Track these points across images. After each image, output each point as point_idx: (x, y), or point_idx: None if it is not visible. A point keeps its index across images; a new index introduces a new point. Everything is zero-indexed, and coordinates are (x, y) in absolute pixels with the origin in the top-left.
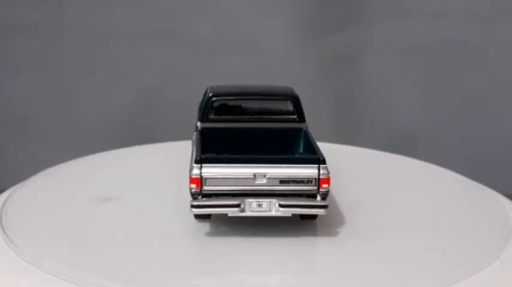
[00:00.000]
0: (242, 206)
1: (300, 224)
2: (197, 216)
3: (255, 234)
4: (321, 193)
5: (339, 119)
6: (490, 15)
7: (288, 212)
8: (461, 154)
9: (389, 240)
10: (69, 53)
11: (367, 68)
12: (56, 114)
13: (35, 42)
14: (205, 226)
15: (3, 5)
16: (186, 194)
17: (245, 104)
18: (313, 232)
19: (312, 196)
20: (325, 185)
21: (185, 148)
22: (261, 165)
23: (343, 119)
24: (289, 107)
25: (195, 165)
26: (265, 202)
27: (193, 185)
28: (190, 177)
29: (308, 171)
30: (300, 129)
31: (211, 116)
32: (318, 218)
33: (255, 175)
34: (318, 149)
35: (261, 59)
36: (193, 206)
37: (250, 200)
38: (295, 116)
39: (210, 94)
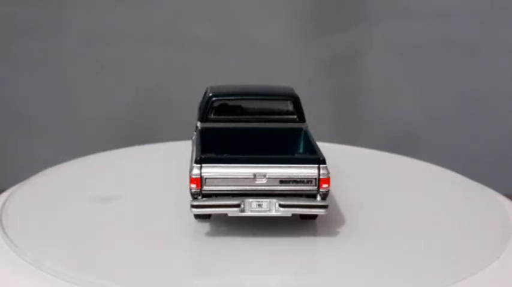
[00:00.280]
0: (242, 206)
1: (300, 224)
2: (197, 216)
3: (255, 234)
4: (321, 193)
5: (339, 119)
6: (490, 15)
7: (288, 212)
8: (461, 154)
9: (389, 240)
10: (69, 53)
11: (367, 68)
12: (56, 114)
13: (35, 42)
14: (205, 226)
15: (3, 5)
16: (186, 194)
17: (245, 104)
18: (313, 232)
19: (312, 196)
20: (325, 185)
21: (185, 148)
22: (261, 165)
23: (343, 119)
24: (289, 107)
25: (195, 165)
26: (265, 202)
27: (193, 185)
28: (190, 177)
29: (308, 171)
30: (300, 129)
31: (211, 116)
32: (318, 218)
33: (255, 175)
34: (318, 149)
35: (261, 59)
36: (193, 206)
37: (250, 200)
38: (295, 116)
39: (210, 94)
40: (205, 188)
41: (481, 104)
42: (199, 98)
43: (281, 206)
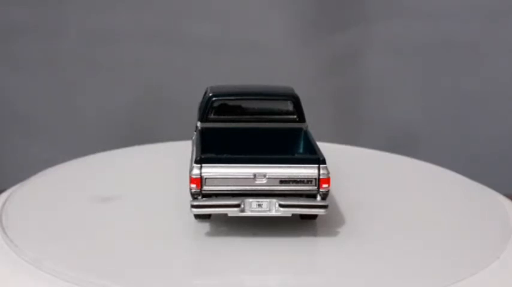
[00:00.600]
0: (242, 206)
1: (300, 224)
2: (197, 216)
3: (255, 234)
4: (321, 193)
5: (339, 119)
6: (490, 15)
7: (288, 212)
8: (461, 154)
9: (389, 240)
10: (69, 53)
11: (367, 68)
12: (56, 114)
13: (35, 42)
14: (205, 226)
15: (3, 5)
16: (186, 194)
17: (245, 104)
18: (313, 232)
19: (312, 196)
20: (325, 185)
21: (185, 148)
22: (261, 165)
23: (343, 119)
24: (289, 107)
25: (195, 165)
26: (265, 202)
27: (193, 185)
28: (190, 177)
29: (308, 171)
30: (300, 129)
31: (211, 116)
32: (318, 218)
33: (255, 175)
34: (318, 149)
35: (261, 59)
36: (193, 206)
37: (250, 200)
38: (295, 116)
39: (210, 94)
40: (205, 188)
41: (481, 104)
42: (199, 98)
43: (281, 206)
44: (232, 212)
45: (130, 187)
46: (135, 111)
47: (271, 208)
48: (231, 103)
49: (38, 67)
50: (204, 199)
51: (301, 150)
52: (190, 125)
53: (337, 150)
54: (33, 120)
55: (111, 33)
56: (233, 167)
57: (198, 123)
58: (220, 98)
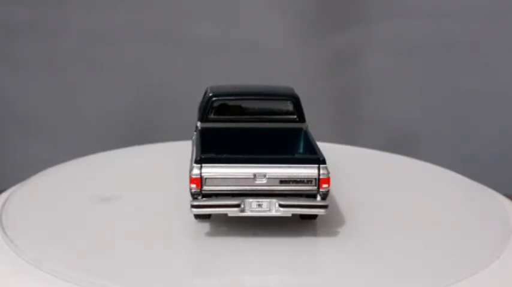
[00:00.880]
0: (242, 206)
1: (300, 224)
2: (197, 216)
3: (255, 234)
4: (321, 193)
5: (339, 119)
6: (490, 15)
7: (288, 212)
8: (461, 154)
9: (389, 240)
10: (69, 53)
11: (367, 68)
12: (56, 114)
13: (35, 42)
14: (205, 226)
15: (3, 5)
16: (186, 194)
17: (245, 104)
18: (313, 232)
19: (312, 196)
20: (325, 185)
21: (185, 148)
22: (261, 165)
23: (343, 119)
24: (289, 107)
25: (195, 165)
26: (265, 202)
27: (193, 185)
28: (190, 177)
29: (308, 171)
30: (300, 129)
31: (211, 116)
32: (318, 218)
33: (255, 175)
34: (318, 149)
35: (261, 59)
36: (193, 206)
37: (250, 200)
38: (295, 116)
39: (210, 94)
40: (205, 188)
41: (481, 104)
42: (199, 98)
43: (281, 206)
44: (232, 212)
45: (130, 187)
46: (135, 111)
47: (271, 208)
48: (231, 103)
49: (38, 67)
50: (204, 199)
51: (301, 150)
52: (190, 125)
53: (337, 150)
54: (33, 120)
55: (111, 33)
56: (233, 167)
57: (198, 123)
58: (220, 98)
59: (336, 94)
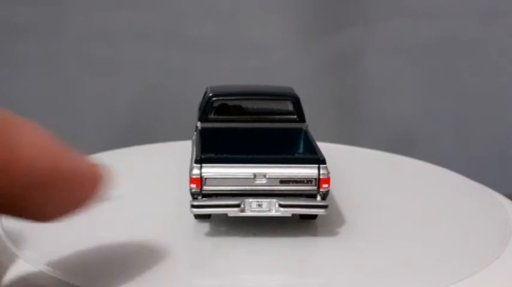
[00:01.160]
0: (242, 206)
1: (300, 224)
2: (197, 216)
3: (255, 234)
4: (321, 193)
5: (339, 119)
6: (490, 15)
7: (288, 212)
8: (461, 154)
9: (389, 240)
10: (69, 53)
11: (367, 68)
12: (56, 114)
13: (35, 42)
14: (205, 226)
15: (3, 5)
16: (186, 194)
17: (245, 104)
18: (313, 232)
19: (312, 196)
20: (325, 185)
21: (185, 148)
22: (261, 165)
23: (343, 119)
24: (289, 107)
25: (195, 165)
26: (265, 202)
27: (193, 185)
28: (190, 177)
29: (308, 171)
30: (300, 129)
31: (211, 116)
32: (318, 218)
33: (255, 175)
34: (318, 149)
35: (261, 59)
36: (193, 206)
37: (250, 200)
38: (295, 116)
39: (210, 94)
40: (205, 188)
41: (482, 104)
42: (199, 98)
43: (281, 206)
44: (232, 212)
45: (129, 186)
46: (135, 111)
47: (271, 208)
48: (231, 103)
49: (38, 67)
50: (204, 199)
51: (301, 150)
52: (190, 125)
53: (337, 150)
54: (33, 121)
55: (111, 33)
56: (233, 167)
57: (198, 123)
58: (220, 98)
59: (336, 94)
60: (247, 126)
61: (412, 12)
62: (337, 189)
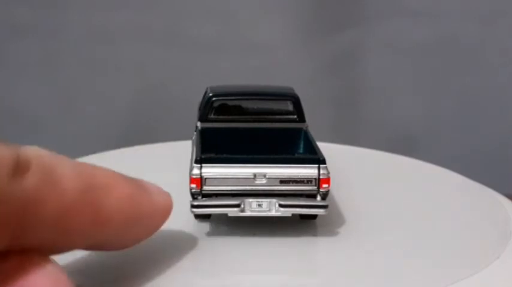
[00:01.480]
0: (242, 206)
1: (300, 224)
2: (197, 216)
3: (255, 234)
4: (321, 193)
5: (339, 119)
6: (490, 15)
7: (288, 212)
8: (462, 154)
9: (389, 240)
10: (69, 53)
11: (367, 68)
12: (56, 114)
13: (35, 42)
14: (205, 226)
15: (3, 5)
16: (186, 194)
17: (245, 104)
18: (313, 232)
19: (312, 196)
20: (325, 185)
21: (185, 148)
22: (261, 165)
23: (343, 119)
24: (289, 107)
25: (195, 165)
26: (265, 202)
27: (193, 185)
28: (190, 177)
29: (308, 171)
30: (300, 129)
31: (211, 116)
32: (318, 218)
33: (255, 175)
34: (318, 149)
35: (261, 59)
36: (193, 206)
37: (250, 200)
38: (295, 116)
39: (210, 94)
40: (205, 188)
41: (482, 103)
42: (199, 98)
43: (281, 206)
44: (232, 212)
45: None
46: (135, 111)
47: (271, 208)
48: (231, 103)
49: (38, 67)
50: (204, 199)
51: (301, 150)
52: (190, 125)
53: (337, 150)
54: (34, 120)
55: (111, 33)
56: (233, 167)
57: (198, 123)
58: (220, 98)
59: (336, 94)
60: (247, 126)
61: (412, 12)
62: (337, 189)
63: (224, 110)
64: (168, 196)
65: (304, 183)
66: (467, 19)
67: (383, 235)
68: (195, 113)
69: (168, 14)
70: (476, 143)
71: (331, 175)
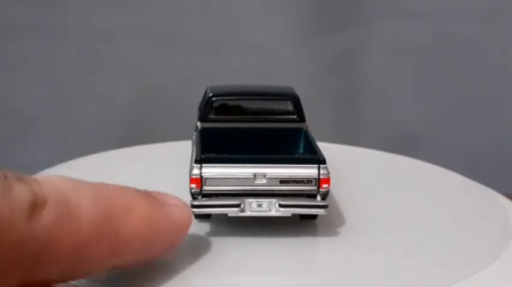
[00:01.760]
0: (242, 206)
1: (300, 224)
2: (197, 216)
3: (255, 234)
4: (321, 193)
5: (339, 119)
6: (490, 15)
7: (288, 212)
8: (461, 154)
9: (389, 240)
10: (69, 53)
11: (367, 68)
12: (56, 114)
13: (35, 42)
14: (205, 226)
15: (3, 5)
16: (186, 194)
17: (245, 104)
18: (313, 232)
19: (312, 196)
20: (325, 185)
21: (185, 148)
22: (261, 165)
23: (343, 119)
24: (289, 107)
25: (195, 165)
26: (265, 202)
27: (193, 185)
28: (190, 177)
29: (308, 171)
30: (300, 129)
31: (211, 116)
32: (318, 218)
33: (255, 175)
34: (318, 149)
35: (261, 59)
36: (193, 206)
37: (250, 200)
38: (295, 116)
39: (210, 94)
40: (205, 188)
41: (482, 103)
42: (199, 98)
43: (281, 206)
44: (232, 212)
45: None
46: (135, 111)
47: (271, 208)
48: (231, 103)
49: (38, 67)
50: (204, 198)
51: (301, 150)
52: (190, 125)
53: (337, 150)
54: (33, 120)
55: (111, 33)
56: (233, 167)
57: (198, 123)
58: (220, 98)
59: (336, 94)
60: (247, 126)
61: (412, 12)
62: (337, 189)
63: (224, 110)
64: (186, 208)
65: (304, 183)
66: (467, 19)
67: (383, 235)
68: (195, 113)
69: (168, 14)
70: (476, 143)
71: (331, 175)
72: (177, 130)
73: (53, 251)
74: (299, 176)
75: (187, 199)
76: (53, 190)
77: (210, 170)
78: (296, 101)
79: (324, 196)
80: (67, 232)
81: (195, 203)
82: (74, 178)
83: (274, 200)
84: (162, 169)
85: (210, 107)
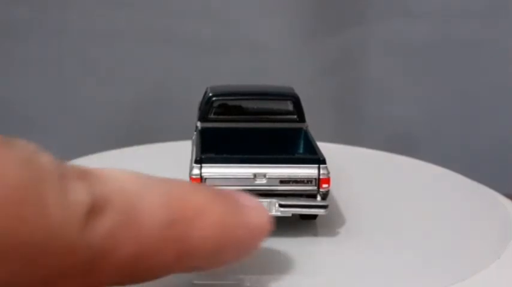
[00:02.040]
0: None
1: (300, 224)
2: None
3: None
4: (321, 193)
5: (339, 119)
6: (490, 15)
7: (288, 212)
8: (461, 154)
9: (389, 240)
10: (69, 53)
11: (367, 68)
12: (56, 114)
13: (35, 42)
14: None
15: (3, 5)
16: None
17: (245, 104)
18: (313, 232)
19: (312, 196)
20: (325, 185)
21: (185, 148)
22: (261, 165)
23: (343, 119)
24: (289, 107)
25: (195, 165)
26: (265, 202)
27: None
28: (190, 177)
29: (308, 171)
30: (300, 129)
31: (211, 116)
32: (318, 218)
33: (254, 175)
34: (318, 149)
35: (261, 59)
36: None
37: None
38: (295, 116)
39: (210, 94)
40: None
41: (482, 103)
42: (199, 98)
43: (281, 206)
44: None
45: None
46: (135, 111)
47: (271, 208)
48: (231, 103)
49: (38, 67)
50: None
51: (301, 150)
52: (190, 125)
53: (337, 150)
54: (33, 120)
55: (111, 33)
56: (233, 167)
57: (198, 123)
58: (220, 98)
59: (336, 94)
60: (247, 126)
61: (412, 12)
62: (337, 189)
63: (224, 110)
64: (264, 211)
65: (304, 183)
66: (467, 19)
67: (383, 234)
68: (195, 113)
69: (168, 14)
70: (476, 143)
71: (331, 175)
72: (177, 130)
73: (110, 260)
74: (299, 176)
75: None
76: (117, 191)
77: (210, 170)
78: (296, 101)
79: (324, 196)
80: (128, 239)
81: None
82: (144, 174)
83: (274, 200)
84: (162, 169)
85: (210, 107)
